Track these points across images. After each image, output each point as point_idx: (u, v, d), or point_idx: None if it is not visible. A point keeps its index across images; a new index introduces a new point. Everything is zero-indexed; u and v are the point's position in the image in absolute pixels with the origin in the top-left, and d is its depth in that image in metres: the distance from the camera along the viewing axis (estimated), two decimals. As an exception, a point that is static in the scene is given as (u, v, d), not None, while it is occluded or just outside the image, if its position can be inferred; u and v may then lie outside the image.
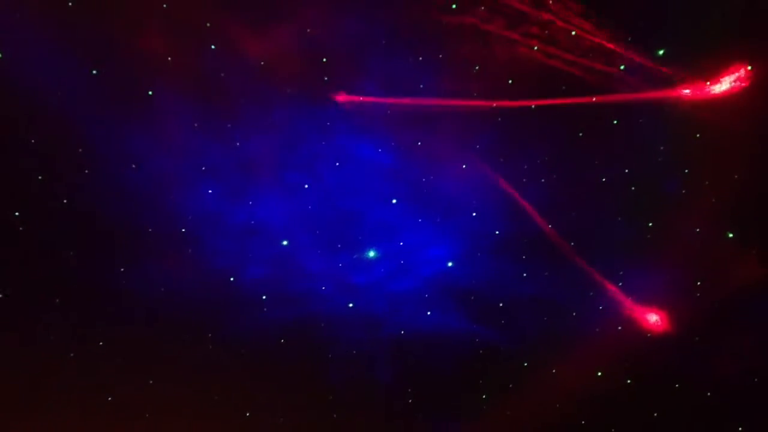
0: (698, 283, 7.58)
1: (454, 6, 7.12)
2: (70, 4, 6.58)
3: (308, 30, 7.20)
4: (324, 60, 7.23)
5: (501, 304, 8.02)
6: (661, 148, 7.53)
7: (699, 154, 7.32)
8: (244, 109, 7.42)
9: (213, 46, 7.19)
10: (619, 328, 7.92)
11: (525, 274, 7.92)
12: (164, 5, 6.82)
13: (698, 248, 7.50)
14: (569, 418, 7.88)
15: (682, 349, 7.72)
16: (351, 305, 7.87)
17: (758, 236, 7.40)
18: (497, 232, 7.94)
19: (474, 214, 7.91)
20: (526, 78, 7.37)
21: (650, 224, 7.74)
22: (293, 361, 7.84)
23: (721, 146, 7.23)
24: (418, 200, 7.95)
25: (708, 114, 7.17)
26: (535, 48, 7.20)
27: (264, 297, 7.69)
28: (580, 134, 7.55)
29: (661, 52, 7.14)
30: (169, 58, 7.09)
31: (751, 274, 7.34)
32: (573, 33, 7.09)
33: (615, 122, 7.50)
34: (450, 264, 7.97)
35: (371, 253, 7.93)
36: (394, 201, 7.90)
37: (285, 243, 7.72)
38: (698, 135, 7.32)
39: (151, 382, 7.41)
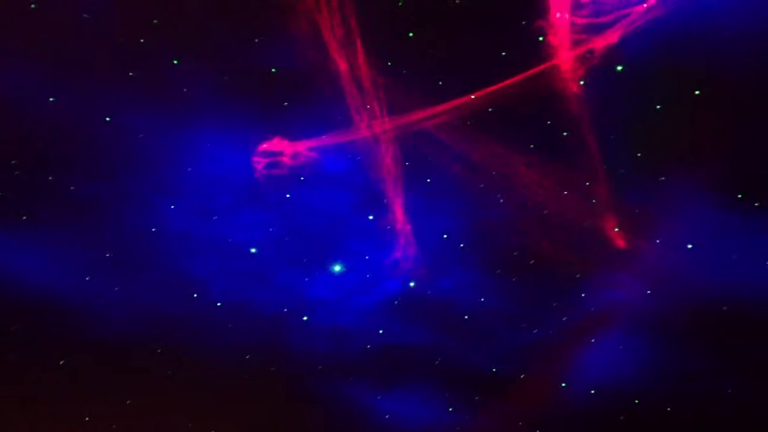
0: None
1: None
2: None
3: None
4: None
5: (466, 317, 8.07)
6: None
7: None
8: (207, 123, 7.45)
9: (175, 61, 7.20)
10: (593, 340, 8.02)
11: (490, 287, 7.98)
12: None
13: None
14: (535, 428, 7.94)
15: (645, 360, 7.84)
16: (317, 319, 7.85)
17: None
18: (462, 245, 8.01)
19: (443, 232, 7.98)
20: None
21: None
22: (259, 377, 7.78)
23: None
24: (384, 213, 8.00)
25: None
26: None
27: (229, 313, 7.64)
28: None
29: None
30: (131, 74, 7.11)
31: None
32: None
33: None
34: (415, 279, 8.00)
35: (337, 267, 7.93)
36: (371, 217, 7.93)
37: (253, 251, 7.68)
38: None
39: (109, 399, 7.28)
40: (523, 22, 7.29)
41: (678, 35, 7.01)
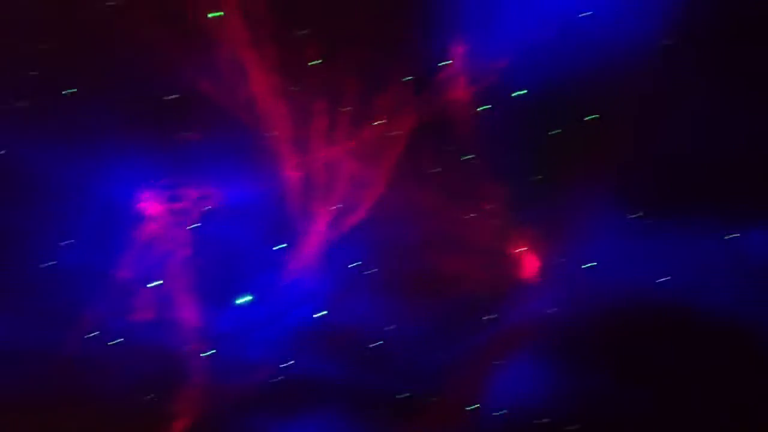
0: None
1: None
2: None
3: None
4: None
5: (377, 343, 8.03)
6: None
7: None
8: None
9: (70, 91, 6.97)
10: (503, 360, 8.11)
11: (400, 312, 7.98)
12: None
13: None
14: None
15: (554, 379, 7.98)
16: (223, 354, 7.65)
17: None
18: (373, 270, 8.00)
19: (352, 260, 7.94)
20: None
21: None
22: (162, 417, 7.50)
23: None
24: (292, 243, 7.91)
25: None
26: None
27: (129, 351, 7.35)
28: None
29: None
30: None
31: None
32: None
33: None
34: (325, 308, 7.92)
35: (244, 300, 7.77)
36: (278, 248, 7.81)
37: (156, 284, 7.44)
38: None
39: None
40: (423, 50, 7.43)
41: (567, 60, 7.29)
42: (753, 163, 7.41)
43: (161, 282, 7.35)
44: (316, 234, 7.73)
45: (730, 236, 7.55)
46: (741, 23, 6.98)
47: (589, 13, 7.10)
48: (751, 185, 7.53)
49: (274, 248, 7.76)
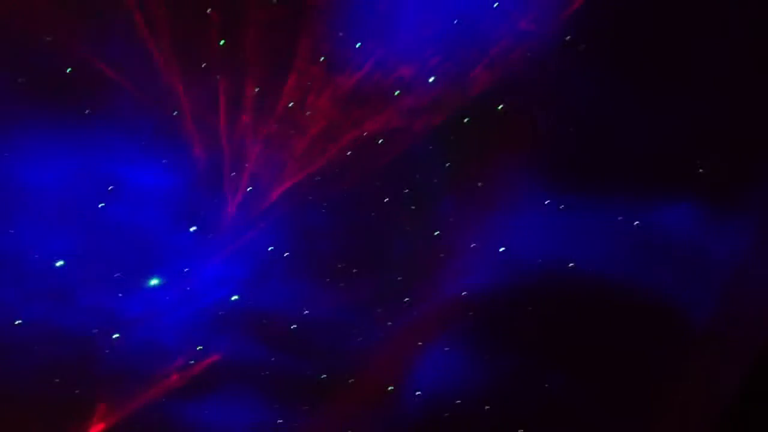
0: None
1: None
2: None
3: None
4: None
5: (293, 326, 8.04)
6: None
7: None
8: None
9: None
10: (418, 344, 8.18)
11: (316, 296, 8.00)
12: None
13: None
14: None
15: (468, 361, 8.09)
16: (132, 337, 7.57)
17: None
18: (286, 254, 7.99)
19: (268, 244, 7.92)
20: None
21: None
22: (70, 401, 7.40)
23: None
24: (207, 225, 7.85)
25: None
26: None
27: (34, 334, 7.21)
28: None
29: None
30: None
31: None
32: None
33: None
34: (239, 291, 7.89)
35: (154, 282, 7.70)
36: (192, 229, 7.75)
37: (60, 263, 7.29)
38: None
39: None
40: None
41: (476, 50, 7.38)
42: (656, 152, 7.60)
43: (63, 263, 7.22)
44: (228, 217, 7.70)
45: (637, 221, 7.74)
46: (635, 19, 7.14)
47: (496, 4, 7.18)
48: (657, 172, 7.71)
49: (189, 230, 7.69)
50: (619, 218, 7.76)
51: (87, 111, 6.99)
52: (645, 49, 7.07)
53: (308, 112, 7.54)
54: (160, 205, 7.49)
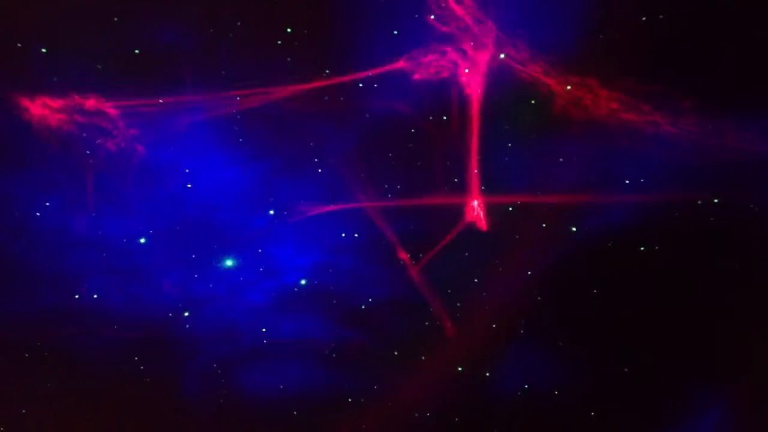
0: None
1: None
2: None
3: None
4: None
5: (363, 306, 8.08)
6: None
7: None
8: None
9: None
10: (491, 324, 8.16)
11: (384, 276, 8.02)
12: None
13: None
14: (436, 411, 8.05)
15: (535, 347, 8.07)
16: (210, 317, 7.66)
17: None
18: (356, 235, 8.00)
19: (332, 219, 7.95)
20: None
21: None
22: (150, 380, 7.53)
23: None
24: (277, 208, 7.89)
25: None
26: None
27: (114, 314, 7.35)
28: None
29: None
30: None
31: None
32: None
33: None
34: (310, 273, 7.94)
35: (228, 262, 7.76)
36: (271, 212, 7.79)
37: (142, 241, 7.39)
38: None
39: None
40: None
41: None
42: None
43: (144, 240, 7.34)
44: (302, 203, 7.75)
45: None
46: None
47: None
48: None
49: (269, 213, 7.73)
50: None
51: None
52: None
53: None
54: (239, 189, 7.55)
